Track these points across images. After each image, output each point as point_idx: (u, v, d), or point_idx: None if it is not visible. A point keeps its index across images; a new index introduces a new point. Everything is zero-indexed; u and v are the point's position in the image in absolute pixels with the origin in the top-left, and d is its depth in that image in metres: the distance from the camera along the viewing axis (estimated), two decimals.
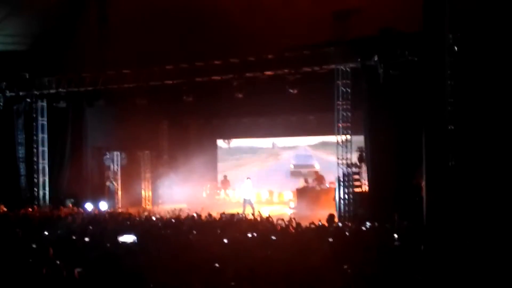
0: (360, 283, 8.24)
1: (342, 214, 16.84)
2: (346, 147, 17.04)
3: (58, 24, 22.10)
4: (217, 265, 9.05)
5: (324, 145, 23.45)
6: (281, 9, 18.45)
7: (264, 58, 17.55)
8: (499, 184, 14.25)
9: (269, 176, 22.34)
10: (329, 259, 9.75)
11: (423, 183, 14.39)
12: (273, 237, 12.35)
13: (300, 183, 22.00)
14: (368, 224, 14.28)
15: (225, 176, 24.90)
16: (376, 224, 14.10)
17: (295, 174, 24.15)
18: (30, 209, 19.71)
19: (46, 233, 13.23)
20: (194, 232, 13.11)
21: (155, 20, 19.98)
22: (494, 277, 8.35)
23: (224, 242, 11.81)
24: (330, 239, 11.93)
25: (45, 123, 21.77)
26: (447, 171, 14.14)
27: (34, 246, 11.03)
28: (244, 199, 19.64)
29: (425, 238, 12.45)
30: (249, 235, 12.53)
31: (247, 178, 20.20)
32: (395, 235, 12.05)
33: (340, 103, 16.81)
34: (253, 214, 17.05)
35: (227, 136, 25.95)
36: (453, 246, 11.42)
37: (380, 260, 9.69)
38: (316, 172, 22.27)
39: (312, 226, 13.60)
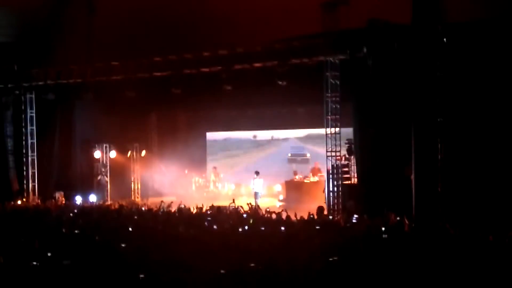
0: (346, 275, 8.27)
1: (331, 207, 16.88)
2: (335, 139, 17.04)
3: (47, 16, 21.92)
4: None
5: (310, 138, 23.67)
6: (270, 0, 18.39)
7: (252, 50, 17.47)
8: (488, 176, 14.31)
9: (260, 167, 22.49)
10: (316, 251, 9.78)
11: (412, 176, 14.45)
12: (263, 228, 12.42)
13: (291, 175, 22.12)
14: (356, 216, 14.32)
15: (214, 168, 24.84)
16: (365, 216, 14.15)
17: (291, 161, 24.68)
18: (19, 202, 19.70)
19: (35, 226, 13.18)
20: (183, 224, 13.12)
21: (143, 12, 19.86)
22: (482, 268, 8.41)
23: (213, 234, 11.84)
24: (317, 227, 12.02)
25: (34, 115, 21.62)
26: (436, 163, 14.20)
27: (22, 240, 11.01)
28: (255, 192, 19.96)
29: (414, 230, 12.53)
30: (239, 228, 12.57)
31: (256, 172, 20.37)
32: (383, 228, 12.11)
33: (329, 95, 16.77)
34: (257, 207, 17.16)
35: (216, 129, 25.88)
36: (441, 238, 11.48)
37: (367, 253, 9.74)
38: (315, 165, 22.17)
39: (300, 218, 13.65)
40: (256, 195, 19.97)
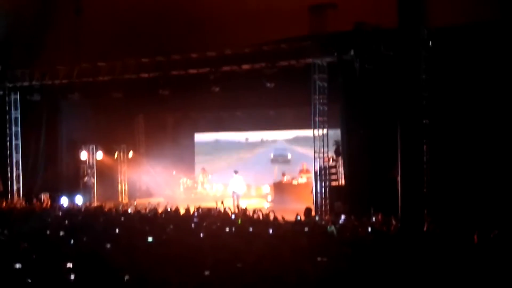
0: (333, 276, 8.30)
1: (319, 208, 16.95)
2: (323, 141, 17.12)
3: (32, 16, 21.73)
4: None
5: (297, 140, 23.87)
6: (258, 2, 18.43)
7: (241, 51, 17.51)
8: (473, 177, 14.47)
9: (248, 169, 22.60)
10: (304, 252, 9.81)
11: (398, 177, 14.54)
12: (251, 229, 12.43)
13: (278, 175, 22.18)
14: (344, 217, 14.39)
15: (203, 169, 24.79)
16: (352, 217, 14.22)
17: (273, 161, 25.17)
18: (4, 203, 19.52)
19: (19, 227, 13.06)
20: (171, 226, 13.09)
21: (131, 13, 19.79)
22: (469, 269, 8.48)
23: (200, 236, 11.82)
24: (306, 229, 12.06)
25: (18, 116, 21.45)
26: (422, 164, 14.31)
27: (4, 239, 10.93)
28: (233, 192, 19.88)
29: (400, 232, 12.61)
30: (226, 229, 12.57)
31: (235, 172, 20.32)
32: (369, 229, 12.18)
33: (317, 97, 16.85)
34: (237, 207, 17.24)
35: (204, 130, 25.86)
36: (427, 240, 11.57)
37: (355, 253, 9.78)
38: (303, 166, 22.22)
39: (286, 220, 13.69)
40: (233, 194, 19.85)
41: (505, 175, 14.24)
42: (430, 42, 14.53)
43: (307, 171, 20.83)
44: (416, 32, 13.92)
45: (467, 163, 14.59)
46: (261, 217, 14.33)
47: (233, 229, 12.55)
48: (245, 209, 15.41)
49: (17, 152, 21.51)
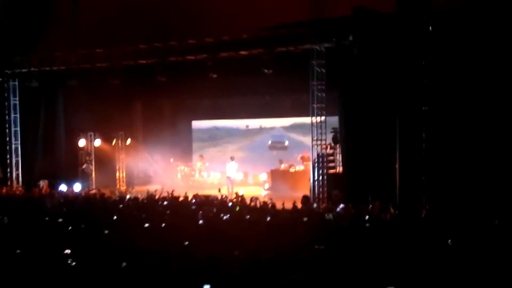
0: (331, 263, 8.28)
1: (316, 195, 16.90)
2: (321, 128, 17.03)
3: (30, 2, 21.57)
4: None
5: (295, 127, 23.85)
6: None
7: (238, 37, 17.37)
8: (472, 165, 14.39)
9: (247, 156, 22.54)
10: (302, 239, 9.79)
11: (397, 165, 14.49)
12: (248, 216, 12.42)
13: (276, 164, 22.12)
14: (342, 205, 14.35)
15: (201, 156, 24.73)
16: (349, 205, 14.18)
17: (271, 148, 25.15)
18: (4, 190, 19.57)
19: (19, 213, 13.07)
20: (168, 212, 13.10)
21: None
22: (466, 260, 8.45)
23: (198, 223, 11.81)
24: (305, 219, 12.02)
25: (17, 102, 21.45)
26: (421, 152, 14.26)
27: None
28: (228, 177, 19.92)
29: (397, 219, 12.60)
30: (224, 216, 12.55)
31: (231, 158, 20.36)
32: (367, 217, 12.15)
33: (315, 83, 16.73)
34: (232, 193, 17.27)
35: (202, 117, 25.77)
36: (426, 226, 11.55)
37: (352, 241, 9.77)
38: (305, 154, 22.18)
39: (285, 208, 13.67)
40: (228, 179, 19.89)
41: (504, 164, 14.16)
42: (430, 27, 14.32)
43: (309, 159, 20.80)
44: (415, 17, 13.83)
45: (466, 151, 14.49)
46: (258, 205, 14.30)
47: (229, 216, 12.54)
48: (242, 196, 15.36)
49: (16, 139, 21.54)
